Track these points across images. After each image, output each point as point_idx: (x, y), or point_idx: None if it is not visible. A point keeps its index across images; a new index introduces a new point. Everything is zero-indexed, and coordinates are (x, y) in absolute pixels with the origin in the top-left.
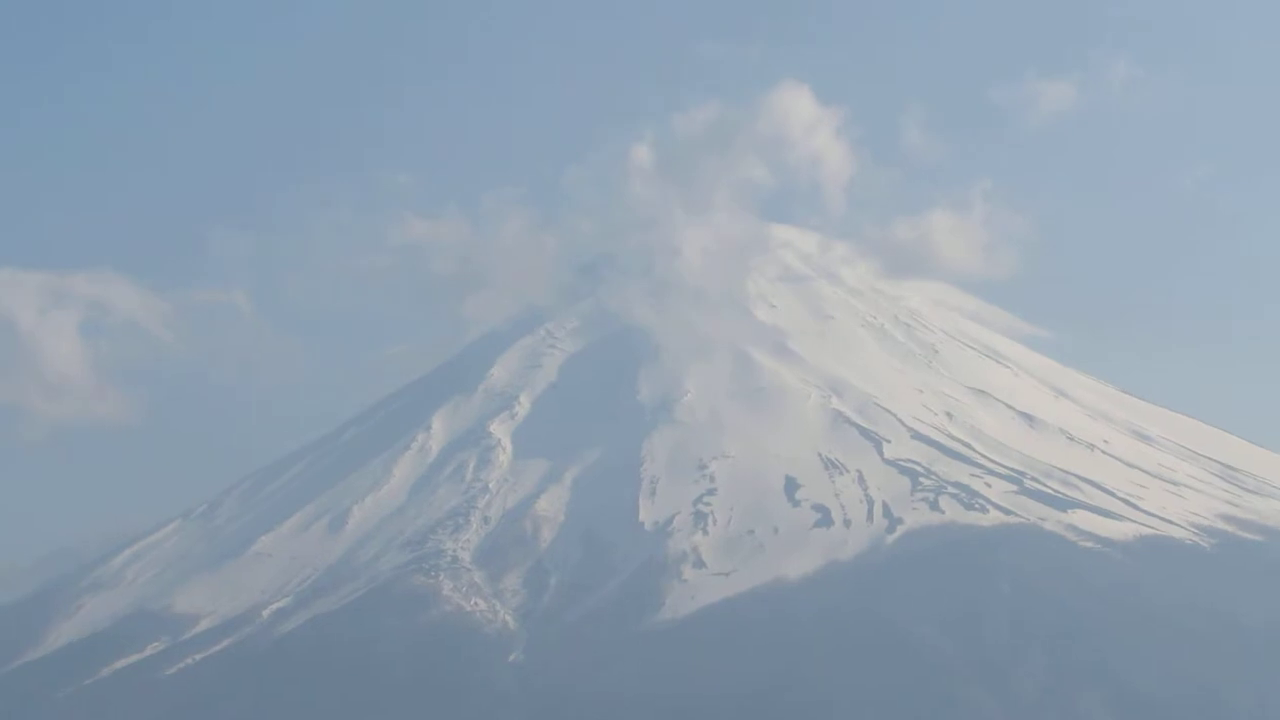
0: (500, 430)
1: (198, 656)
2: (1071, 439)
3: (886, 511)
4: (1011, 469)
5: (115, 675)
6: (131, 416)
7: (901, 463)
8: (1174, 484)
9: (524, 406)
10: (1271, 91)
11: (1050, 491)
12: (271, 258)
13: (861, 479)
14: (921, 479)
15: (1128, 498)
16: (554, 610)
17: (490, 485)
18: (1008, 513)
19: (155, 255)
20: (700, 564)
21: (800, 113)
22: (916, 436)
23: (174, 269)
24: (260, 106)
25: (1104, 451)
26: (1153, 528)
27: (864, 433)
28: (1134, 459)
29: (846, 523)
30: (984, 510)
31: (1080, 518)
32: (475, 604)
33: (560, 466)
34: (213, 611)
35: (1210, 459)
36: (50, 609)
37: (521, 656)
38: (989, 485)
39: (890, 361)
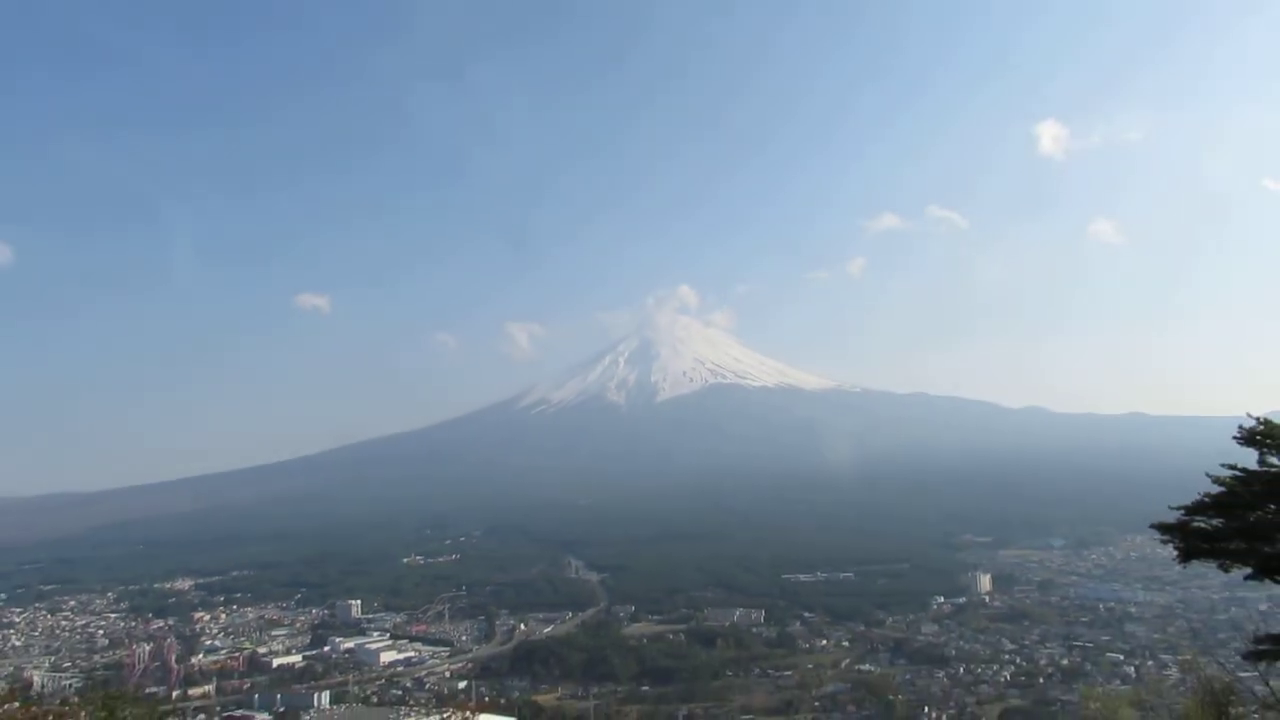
0: (621, 360)
1: (551, 410)
2: (749, 364)
3: (706, 378)
4: (735, 371)
5: (528, 411)
6: (535, 356)
7: (709, 368)
8: (772, 373)
9: (624, 355)
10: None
11: (746, 377)
12: (563, 317)
13: (701, 374)
14: (714, 373)
15: (761, 376)
16: (633, 400)
17: (618, 373)
18: (733, 380)
19: (544, 311)
20: (664, 390)
21: (688, 295)
22: (712, 364)
23: (544, 317)
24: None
25: (758, 366)
26: (763, 385)
27: (700, 362)
28: (764, 369)
29: (692, 381)
30: (724, 379)
31: (753, 381)
32: (615, 399)
33: (635, 370)
34: (548, 399)
35: (781, 368)
36: (520, 398)
37: (625, 410)
38: (728, 374)
39: (710, 349)
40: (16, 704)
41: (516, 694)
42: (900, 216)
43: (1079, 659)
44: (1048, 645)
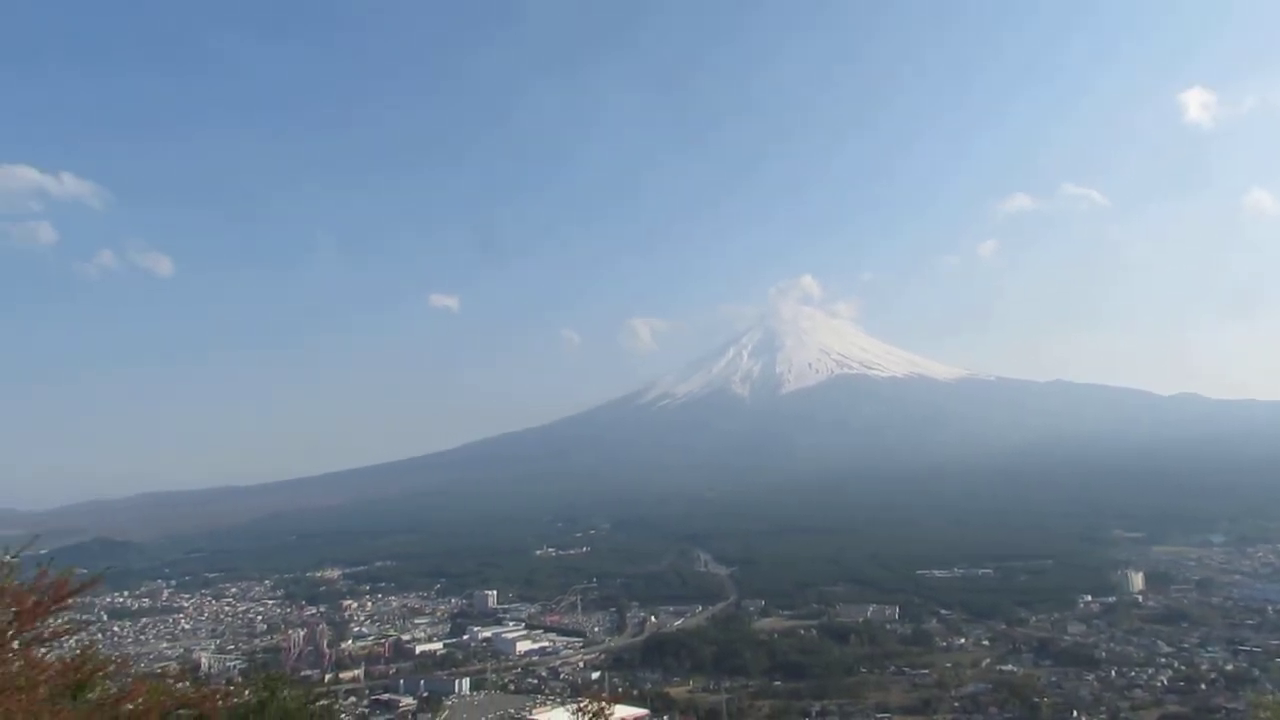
0: (744, 352)
1: (675, 404)
2: (876, 354)
3: (832, 369)
4: (861, 361)
5: (652, 405)
6: (657, 351)
7: (834, 359)
8: (900, 363)
9: (747, 347)
10: None
11: (873, 368)
12: (685, 311)
13: (826, 365)
14: (840, 363)
15: (889, 366)
16: (757, 392)
17: (742, 366)
18: (859, 370)
19: (665, 305)
20: (789, 381)
21: (810, 284)
22: (838, 354)
23: (665, 311)
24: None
25: (885, 356)
26: (892, 375)
27: (825, 353)
28: (891, 359)
29: (817, 372)
30: (850, 369)
31: (880, 371)
32: (739, 391)
33: (758, 362)
34: (672, 392)
35: (909, 358)
36: (644, 393)
37: (750, 403)
38: (854, 364)
39: (835, 340)
40: (187, 683)
41: (649, 686)
42: (1032, 196)
43: (1245, 664)
44: (1209, 649)
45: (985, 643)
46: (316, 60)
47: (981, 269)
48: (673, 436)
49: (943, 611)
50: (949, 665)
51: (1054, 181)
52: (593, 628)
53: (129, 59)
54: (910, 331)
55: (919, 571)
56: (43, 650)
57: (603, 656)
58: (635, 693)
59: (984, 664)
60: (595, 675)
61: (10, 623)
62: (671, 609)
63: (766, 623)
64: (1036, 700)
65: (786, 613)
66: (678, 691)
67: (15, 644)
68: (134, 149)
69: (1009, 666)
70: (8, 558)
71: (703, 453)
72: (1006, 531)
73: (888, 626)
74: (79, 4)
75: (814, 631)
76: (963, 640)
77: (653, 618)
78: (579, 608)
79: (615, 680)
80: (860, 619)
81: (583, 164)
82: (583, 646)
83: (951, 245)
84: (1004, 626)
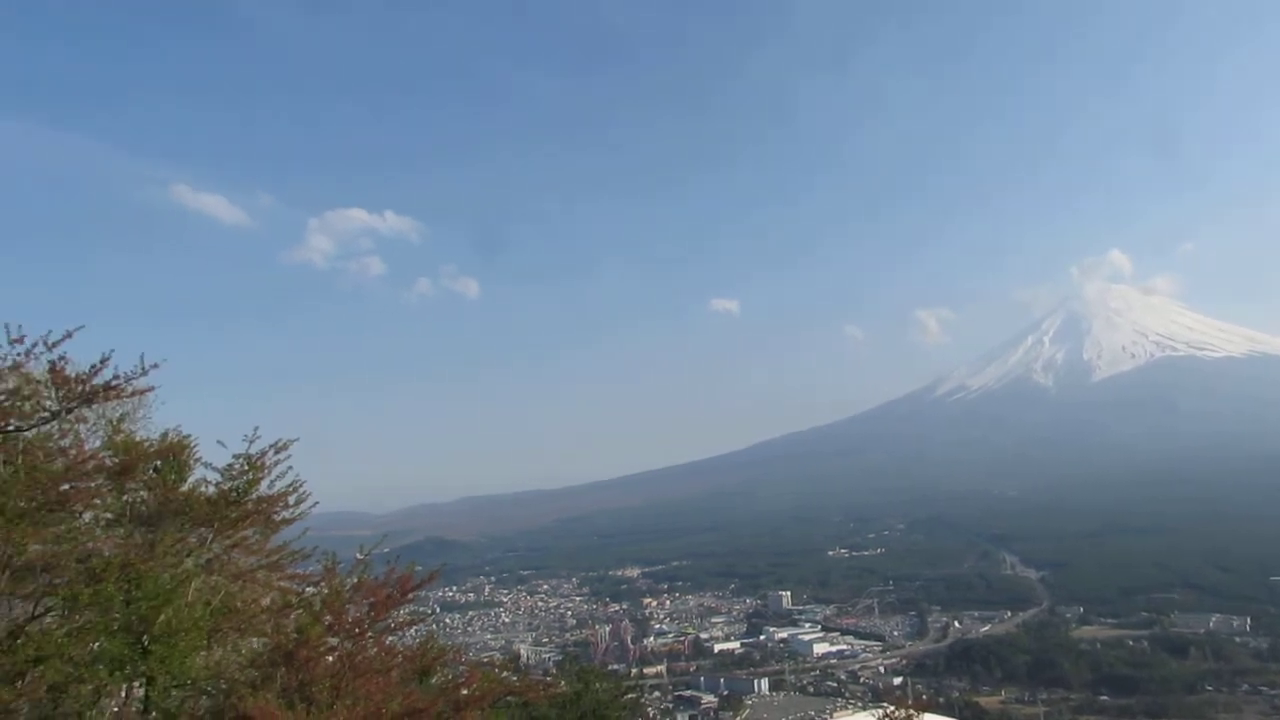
0: (1045, 339)
1: (970, 396)
2: (1206, 332)
3: (1151, 352)
4: (1188, 341)
5: (945, 399)
6: (946, 342)
7: (1153, 340)
8: (1238, 342)
9: (1048, 333)
10: None
11: (1203, 348)
12: (974, 298)
13: (1144, 348)
14: (1161, 345)
15: (1223, 346)
16: (1062, 381)
17: (1043, 353)
18: (1186, 352)
19: (952, 294)
20: (1099, 368)
21: (1119, 260)
22: (1158, 335)
23: (953, 300)
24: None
25: (1218, 334)
26: (1228, 356)
27: (1141, 335)
28: (1225, 337)
29: (1134, 356)
30: (1175, 351)
31: (1212, 352)
32: (1041, 381)
33: (1062, 348)
34: (966, 384)
35: (1249, 334)
36: (935, 387)
37: (1054, 393)
38: (1179, 345)
39: (1153, 319)
40: (512, 673)
41: (956, 694)
42: None
43: None
44: None
45: None
46: (598, 85)
47: None
48: (969, 431)
49: None
50: None
51: None
52: (891, 631)
53: (432, 97)
54: (1249, 305)
55: (1273, 578)
56: (390, 638)
57: (904, 662)
58: (941, 700)
59: None
60: (897, 680)
61: (367, 613)
62: (976, 614)
63: (1086, 631)
64: None
65: (1109, 621)
66: (989, 701)
67: (370, 632)
68: (441, 182)
69: None
70: (361, 555)
71: (1003, 448)
72: None
73: (1237, 639)
74: (387, 53)
75: (1144, 642)
76: None
77: (956, 623)
78: (876, 610)
79: (919, 686)
80: (1201, 630)
81: (863, 156)
82: (882, 650)
83: None
84: None
